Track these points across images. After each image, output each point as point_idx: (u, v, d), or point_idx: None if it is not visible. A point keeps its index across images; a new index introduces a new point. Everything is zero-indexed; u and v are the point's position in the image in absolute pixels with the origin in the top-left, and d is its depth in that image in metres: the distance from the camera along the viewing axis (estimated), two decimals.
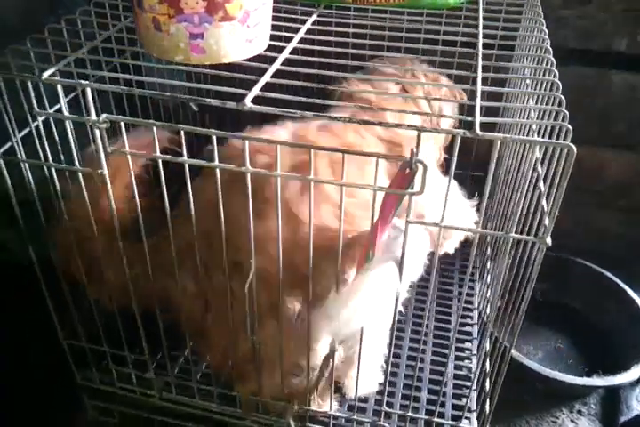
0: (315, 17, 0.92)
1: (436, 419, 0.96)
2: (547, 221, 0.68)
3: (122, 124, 0.72)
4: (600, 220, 1.58)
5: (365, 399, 1.05)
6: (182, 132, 0.69)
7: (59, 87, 0.73)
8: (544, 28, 0.93)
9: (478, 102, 0.68)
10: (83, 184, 0.78)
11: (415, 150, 0.64)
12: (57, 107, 0.82)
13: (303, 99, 0.69)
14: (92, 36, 0.86)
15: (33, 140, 0.82)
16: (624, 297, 1.34)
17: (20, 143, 0.81)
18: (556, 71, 0.77)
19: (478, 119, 0.64)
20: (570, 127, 0.65)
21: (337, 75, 0.80)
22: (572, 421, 1.21)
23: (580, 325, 1.39)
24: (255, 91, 0.69)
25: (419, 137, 0.64)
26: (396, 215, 0.73)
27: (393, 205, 0.73)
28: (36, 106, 0.75)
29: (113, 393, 1.09)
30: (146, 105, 1.22)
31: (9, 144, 0.82)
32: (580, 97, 1.44)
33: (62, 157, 0.85)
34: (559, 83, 0.74)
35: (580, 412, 1.23)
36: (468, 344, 1.16)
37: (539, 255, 0.71)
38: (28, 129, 0.83)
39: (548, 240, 0.68)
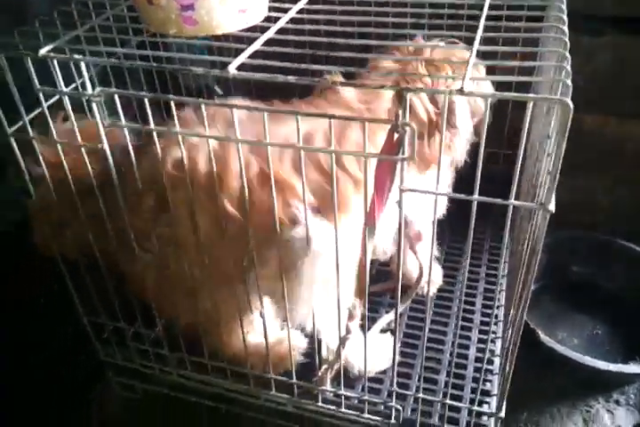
0: None
1: (450, 401, 0.93)
2: (547, 186, 0.64)
3: (116, 96, 0.73)
4: None
5: (380, 380, 1.02)
6: (172, 103, 0.70)
7: (54, 62, 0.74)
8: None
9: (471, 61, 0.64)
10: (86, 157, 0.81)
11: (401, 113, 0.61)
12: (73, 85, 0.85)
13: (293, 65, 0.67)
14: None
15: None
16: None
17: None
18: (565, 29, 0.72)
19: (468, 77, 0.60)
20: (569, 83, 0.60)
21: (336, 41, 0.77)
22: (608, 411, 1.14)
23: (620, 309, 1.30)
24: (241, 59, 0.68)
25: (404, 98, 0.61)
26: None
27: (387, 174, 0.71)
28: (37, 83, 0.76)
29: (136, 370, 1.12)
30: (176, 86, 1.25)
31: (20, 123, 0.84)
32: (618, 68, 1.35)
33: None
34: (566, 39, 0.69)
35: (617, 402, 1.16)
36: (493, 327, 1.11)
37: (541, 223, 0.66)
38: (39, 109, 0.84)
39: (551, 207, 0.64)
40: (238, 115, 0.66)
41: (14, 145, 0.85)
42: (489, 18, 0.78)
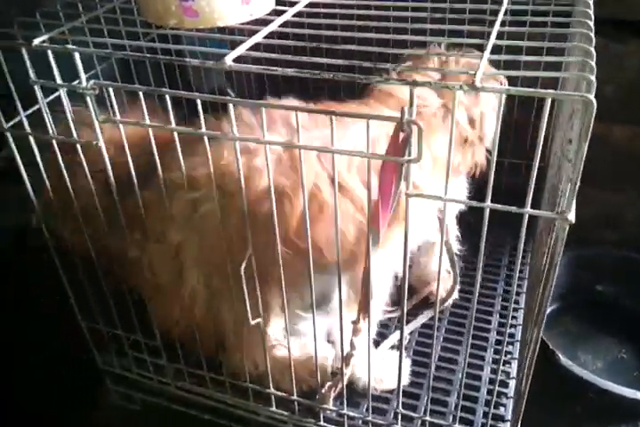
0: None
1: (460, 426, 0.86)
2: (567, 194, 0.58)
3: (111, 89, 0.70)
4: None
5: (387, 400, 0.96)
6: (167, 97, 0.67)
7: (49, 53, 0.71)
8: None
9: (486, 55, 0.59)
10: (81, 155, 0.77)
11: (407, 110, 0.57)
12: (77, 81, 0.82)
13: (291, 57, 0.63)
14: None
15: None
16: None
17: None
18: (591, 24, 0.66)
19: (480, 72, 0.56)
20: (592, 79, 0.54)
21: (343, 35, 0.74)
22: None
23: None
24: (240, 50, 0.64)
25: (412, 93, 0.57)
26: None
27: (392, 175, 0.66)
28: (32, 76, 0.73)
29: (135, 380, 1.07)
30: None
31: (17, 119, 0.81)
32: None
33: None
34: (591, 34, 0.63)
35: None
36: (509, 347, 1.04)
37: (560, 235, 0.60)
38: (37, 106, 0.81)
39: (571, 216, 0.58)
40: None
41: (11, 141, 0.82)
42: (514, 13, 0.73)
